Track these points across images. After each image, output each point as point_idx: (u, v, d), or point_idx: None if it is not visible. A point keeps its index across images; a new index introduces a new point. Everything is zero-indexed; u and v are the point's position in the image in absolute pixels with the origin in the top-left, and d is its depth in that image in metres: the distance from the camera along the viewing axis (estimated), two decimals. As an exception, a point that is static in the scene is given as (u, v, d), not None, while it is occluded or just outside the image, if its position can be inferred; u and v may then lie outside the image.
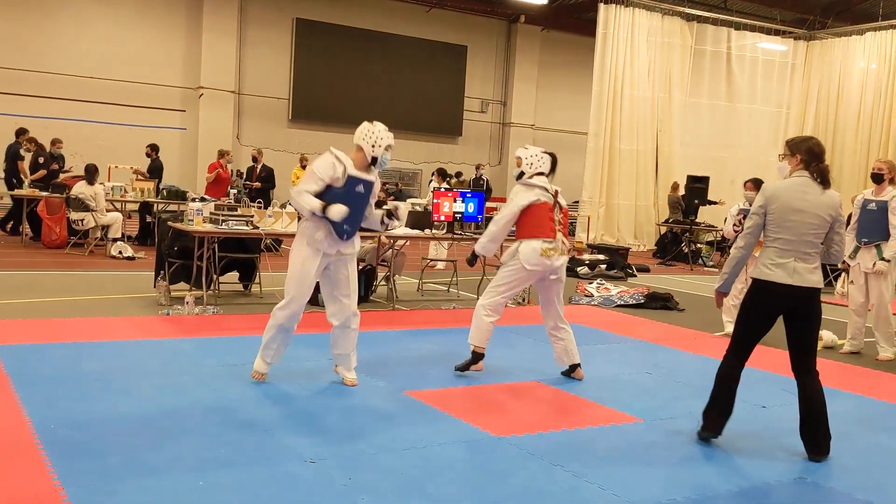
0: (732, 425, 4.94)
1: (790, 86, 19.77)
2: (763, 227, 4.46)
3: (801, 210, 4.35)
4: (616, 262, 13.07)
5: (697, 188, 16.03)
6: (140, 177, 13.61)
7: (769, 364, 7.03)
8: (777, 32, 19.58)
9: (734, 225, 8.26)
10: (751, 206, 8.20)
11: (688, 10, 18.46)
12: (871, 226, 7.41)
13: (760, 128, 19.72)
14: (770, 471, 4.33)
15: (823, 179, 4.42)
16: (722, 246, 15.04)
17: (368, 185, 5.36)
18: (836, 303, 10.99)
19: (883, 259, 7.31)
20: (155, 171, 13.94)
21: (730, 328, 8.35)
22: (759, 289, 4.45)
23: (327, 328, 7.39)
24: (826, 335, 8.01)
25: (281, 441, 4.26)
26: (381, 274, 9.49)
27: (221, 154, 14.45)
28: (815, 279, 4.38)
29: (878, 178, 7.42)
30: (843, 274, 10.80)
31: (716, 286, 4.79)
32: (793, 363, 4.56)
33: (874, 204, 7.39)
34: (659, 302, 9.93)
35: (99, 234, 11.73)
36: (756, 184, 8.32)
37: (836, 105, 19.18)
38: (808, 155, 4.45)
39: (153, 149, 14.10)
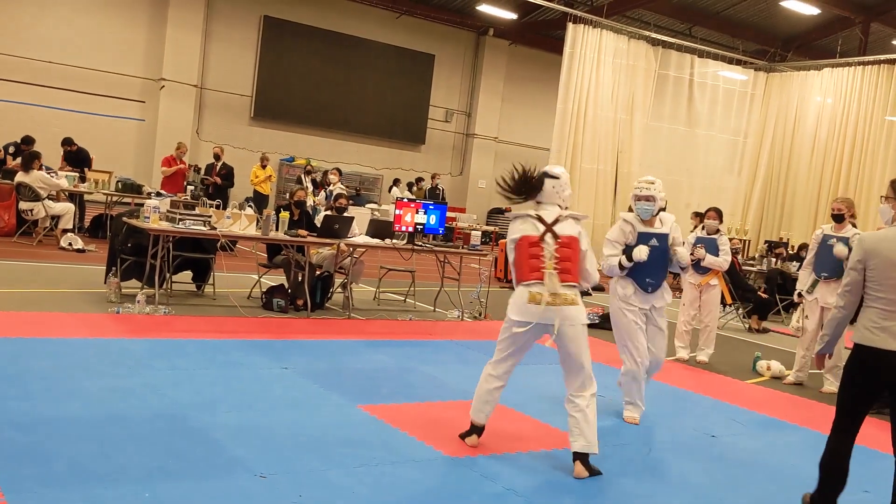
0: (684, 454, 5.00)
1: (748, 115, 20.15)
2: (863, 283, 3.95)
3: None
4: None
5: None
6: (68, 169, 13.25)
7: (723, 393, 7.14)
8: (738, 62, 19.95)
9: (690, 254, 8.35)
10: (709, 234, 8.39)
11: (654, 35, 18.71)
12: (832, 261, 7.54)
13: (717, 154, 20.06)
14: (718, 502, 4.38)
15: None
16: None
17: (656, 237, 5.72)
18: (791, 334, 11.21)
19: None
20: (78, 160, 13.58)
21: (682, 353, 8.46)
22: (863, 355, 3.90)
23: (283, 335, 7.34)
24: (774, 365, 8.16)
25: (231, 453, 4.18)
26: (338, 281, 9.42)
27: (178, 147, 14.28)
28: None
29: (839, 219, 7.59)
30: (799, 307, 10.99)
31: (817, 349, 4.33)
32: (895, 439, 3.91)
33: (835, 240, 7.54)
34: (613, 323, 9.99)
35: (48, 224, 11.44)
36: (718, 212, 8.47)
37: (792, 136, 19.60)
38: None
39: (67, 142, 13.75)
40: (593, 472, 4.49)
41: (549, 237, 4.54)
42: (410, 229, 9.12)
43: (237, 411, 4.90)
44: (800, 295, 7.95)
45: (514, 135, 24.78)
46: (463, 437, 4.83)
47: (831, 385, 7.62)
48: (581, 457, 4.48)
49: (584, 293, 13.00)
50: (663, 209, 5.75)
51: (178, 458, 4.02)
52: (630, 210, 5.80)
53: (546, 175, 4.70)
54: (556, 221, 4.58)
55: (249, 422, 4.73)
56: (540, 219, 4.59)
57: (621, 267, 5.59)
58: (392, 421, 5.05)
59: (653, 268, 5.62)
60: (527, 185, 4.65)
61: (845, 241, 7.46)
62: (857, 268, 3.96)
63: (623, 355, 5.76)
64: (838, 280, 7.46)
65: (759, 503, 4.42)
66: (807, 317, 7.89)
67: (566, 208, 4.70)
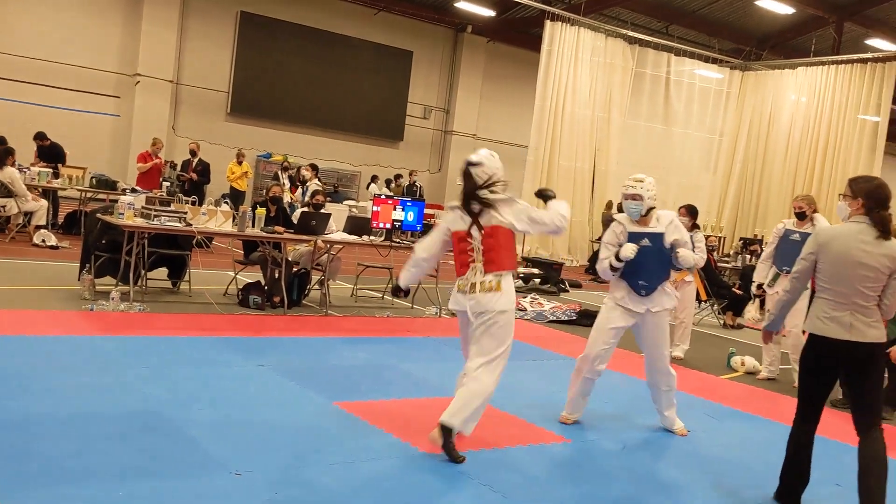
0: (657, 449, 5.04)
1: (724, 113, 20.34)
2: (812, 272, 4.16)
3: (857, 262, 4.00)
4: (550, 276, 13.21)
5: (631, 208, 16.30)
6: (41, 164, 13.03)
7: (698, 389, 7.21)
8: (714, 61, 20.13)
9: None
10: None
11: (630, 34, 18.82)
12: (794, 255, 7.61)
13: (693, 152, 20.23)
14: (692, 497, 4.42)
15: (884, 228, 4.03)
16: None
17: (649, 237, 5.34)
18: (750, 326, 11.38)
19: None
20: (51, 156, 13.35)
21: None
22: (815, 343, 4.13)
23: (260, 332, 7.31)
24: (748, 361, 8.25)
25: (206, 451, 4.16)
26: (315, 278, 9.39)
27: (154, 143, 14.12)
28: (875, 333, 4.02)
29: (801, 216, 7.68)
30: (756, 299, 11.13)
31: (763, 325, 4.58)
32: (855, 420, 4.13)
33: (797, 235, 7.63)
34: (591, 319, 9.95)
35: (21, 221, 11.29)
36: (690, 210, 8.52)
37: (767, 135, 19.81)
38: (871, 200, 4.06)
39: (40, 137, 13.52)
40: (448, 450, 4.38)
41: (474, 230, 4.58)
42: (388, 226, 9.11)
43: (212, 409, 4.87)
44: (759, 287, 8.05)
45: (492, 132, 24.80)
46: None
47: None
48: (441, 427, 4.41)
49: (563, 290, 13.12)
50: (653, 208, 5.36)
51: (153, 456, 3.99)
52: (608, 207, 5.72)
53: (468, 164, 4.69)
54: (481, 211, 4.58)
55: (225, 419, 4.70)
56: (467, 210, 4.61)
57: (613, 269, 5.31)
58: (369, 418, 5.05)
59: (645, 269, 5.28)
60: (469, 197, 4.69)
61: (806, 235, 7.56)
62: (809, 259, 4.17)
63: None
64: None
65: (733, 498, 4.46)
66: (769, 311, 7.98)
67: (504, 189, 4.66)
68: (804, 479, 4.19)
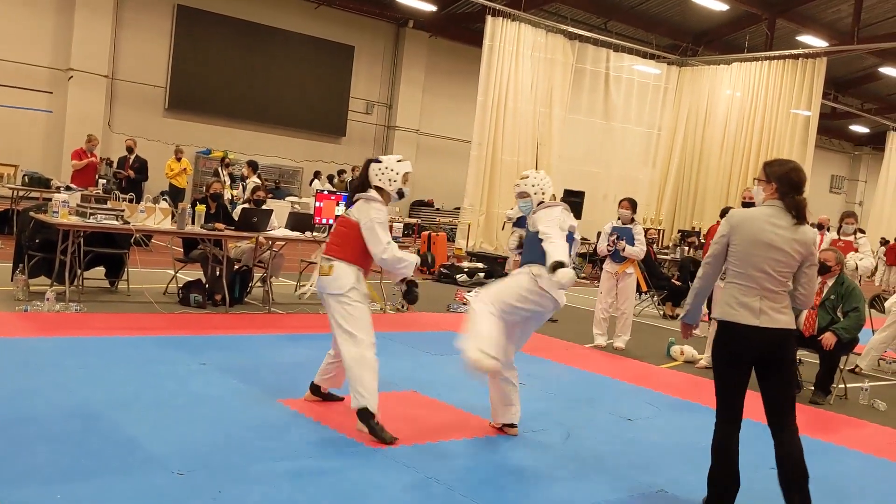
0: (601, 437, 5.13)
1: (662, 108, 20.70)
2: (725, 257, 4.01)
3: (767, 244, 3.87)
4: (494, 270, 13.29)
5: (573, 202, 16.53)
6: None
7: (639, 378, 7.35)
8: (652, 57, 20.47)
9: (607, 244, 8.57)
10: (623, 224, 8.60)
11: (570, 29, 19.02)
12: None
13: (633, 147, 20.56)
14: (634, 482, 4.51)
15: (798, 213, 3.91)
16: (594, 259, 15.56)
17: None
18: (703, 320, 11.61)
19: None
20: None
21: (600, 340, 8.66)
22: (725, 331, 3.96)
23: (201, 331, 7.20)
24: (687, 350, 8.44)
25: (147, 451, 4.09)
26: (257, 275, 9.29)
27: (89, 139, 13.79)
28: (785, 319, 3.90)
29: (749, 207, 7.87)
30: None
31: (681, 318, 4.40)
32: (768, 418, 4.00)
33: None
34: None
35: (-51, 220, 10.93)
36: (631, 203, 8.68)
37: (703, 129, 20.25)
38: (785, 185, 3.94)
39: None
40: (372, 430, 4.66)
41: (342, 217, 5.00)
42: (331, 222, 9.06)
43: (153, 408, 4.80)
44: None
45: (435, 127, 24.83)
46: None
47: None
48: (357, 412, 4.73)
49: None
50: (542, 201, 5.10)
51: (92, 458, 3.91)
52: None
53: (371, 161, 4.99)
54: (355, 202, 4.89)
55: (166, 419, 4.64)
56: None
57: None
58: (313, 414, 5.04)
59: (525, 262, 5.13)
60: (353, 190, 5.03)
61: None
62: (721, 242, 4.01)
63: None
64: None
65: (673, 482, 4.58)
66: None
67: (400, 190, 4.93)
68: (736, 484, 3.99)
